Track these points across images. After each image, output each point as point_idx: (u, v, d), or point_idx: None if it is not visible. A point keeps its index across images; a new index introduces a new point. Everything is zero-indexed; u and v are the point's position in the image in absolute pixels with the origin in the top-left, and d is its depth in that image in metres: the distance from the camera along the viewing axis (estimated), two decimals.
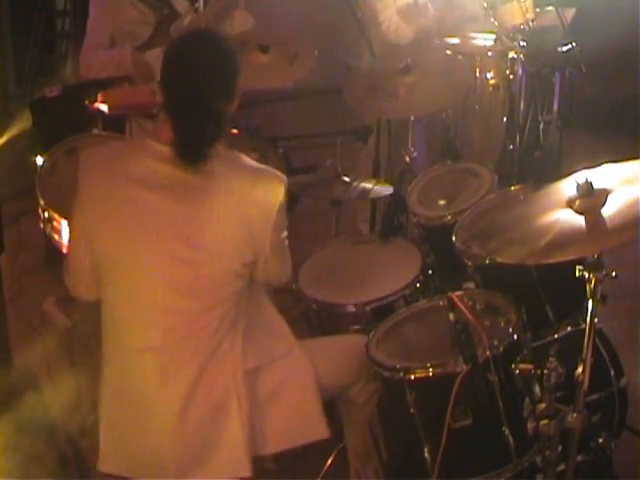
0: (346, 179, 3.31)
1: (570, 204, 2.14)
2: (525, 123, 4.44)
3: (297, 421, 2.41)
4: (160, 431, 2.26)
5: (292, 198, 3.06)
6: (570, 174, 2.22)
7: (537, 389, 2.40)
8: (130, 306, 2.27)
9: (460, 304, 2.39)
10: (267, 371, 2.38)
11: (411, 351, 2.52)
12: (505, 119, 4.34)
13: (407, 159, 3.70)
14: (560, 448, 2.27)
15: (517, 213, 2.36)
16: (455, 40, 4.24)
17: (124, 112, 3.52)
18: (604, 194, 2.12)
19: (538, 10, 4.33)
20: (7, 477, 2.90)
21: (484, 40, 4.30)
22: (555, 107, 4.72)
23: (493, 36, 4.25)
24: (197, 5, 4.01)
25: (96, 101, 3.46)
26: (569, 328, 2.72)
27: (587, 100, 5.25)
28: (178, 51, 2.27)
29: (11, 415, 3.05)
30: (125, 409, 2.33)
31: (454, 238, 2.90)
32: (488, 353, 2.32)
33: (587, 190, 2.12)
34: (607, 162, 2.24)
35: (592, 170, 2.20)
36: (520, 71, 4.15)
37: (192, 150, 2.18)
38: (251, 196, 2.22)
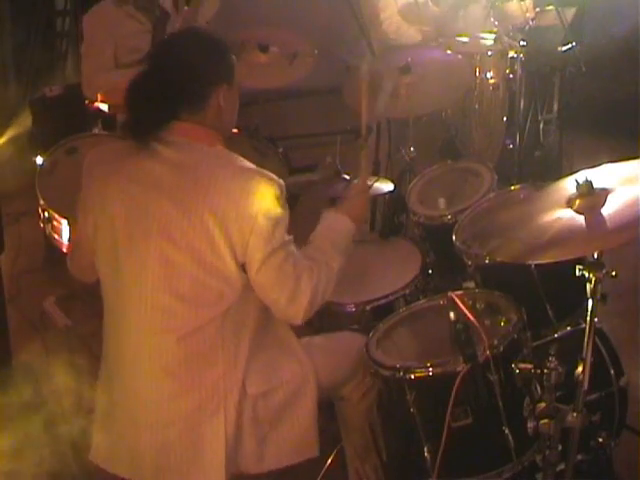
0: (346, 177, 3.30)
1: (570, 204, 2.14)
2: (525, 122, 4.44)
3: (295, 440, 2.39)
4: (144, 429, 2.26)
5: (292, 198, 3.05)
6: (570, 174, 2.22)
7: (537, 388, 2.40)
8: (123, 303, 2.27)
9: (460, 303, 2.39)
10: (275, 394, 2.35)
11: (411, 350, 2.52)
12: (505, 118, 4.34)
13: (407, 159, 3.70)
14: (560, 447, 2.27)
15: (517, 213, 2.36)
16: (455, 40, 4.25)
17: (124, 112, 3.52)
18: (604, 194, 2.11)
19: (538, 10, 4.34)
20: (7, 477, 2.90)
21: (484, 39, 4.31)
22: (555, 107, 4.73)
23: (493, 35, 4.26)
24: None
25: (96, 101, 3.47)
26: (569, 327, 2.72)
27: (587, 100, 5.25)
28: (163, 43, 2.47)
29: (11, 415, 3.05)
30: (116, 405, 2.34)
31: (454, 237, 2.90)
32: (488, 352, 2.32)
33: (587, 190, 2.12)
34: (607, 162, 2.24)
35: (592, 170, 2.20)
36: (520, 70, 4.14)
37: (140, 126, 2.22)
38: (238, 197, 2.17)
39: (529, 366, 2.34)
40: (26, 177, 3.57)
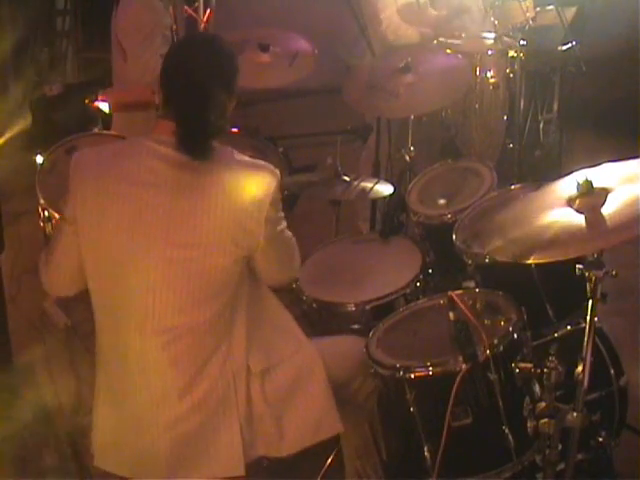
0: (346, 178, 3.30)
1: (570, 203, 2.14)
2: (525, 122, 4.45)
3: (313, 418, 2.40)
4: (155, 428, 2.26)
5: (292, 198, 3.06)
6: (570, 173, 2.22)
7: (537, 388, 2.40)
8: (125, 304, 2.27)
9: (460, 303, 2.38)
10: (278, 371, 2.37)
11: (411, 350, 2.52)
12: (505, 118, 4.34)
13: (407, 159, 3.70)
14: (560, 447, 2.27)
15: (517, 212, 2.36)
16: (456, 40, 4.24)
17: (124, 111, 3.53)
18: (604, 193, 2.11)
19: (538, 9, 4.34)
20: (7, 477, 2.90)
21: (484, 39, 4.31)
22: (555, 106, 4.74)
23: (493, 35, 4.26)
24: (197, 4, 4.01)
25: (96, 100, 3.46)
26: (569, 327, 2.71)
27: (587, 99, 5.25)
28: (179, 50, 2.39)
29: (11, 414, 3.05)
30: (120, 406, 2.33)
31: (454, 237, 2.89)
32: (488, 352, 2.32)
33: (587, 189, 2.12)
34: (607, 161, 2.24)
35: (592, 169, 2.20)
36: (520, 70, 4.15)
37: (196, 140, 2.21)
38: (242, 191, 2.22)
39: (529, 366, 2.34)
40: (26, 176, 3.56)
